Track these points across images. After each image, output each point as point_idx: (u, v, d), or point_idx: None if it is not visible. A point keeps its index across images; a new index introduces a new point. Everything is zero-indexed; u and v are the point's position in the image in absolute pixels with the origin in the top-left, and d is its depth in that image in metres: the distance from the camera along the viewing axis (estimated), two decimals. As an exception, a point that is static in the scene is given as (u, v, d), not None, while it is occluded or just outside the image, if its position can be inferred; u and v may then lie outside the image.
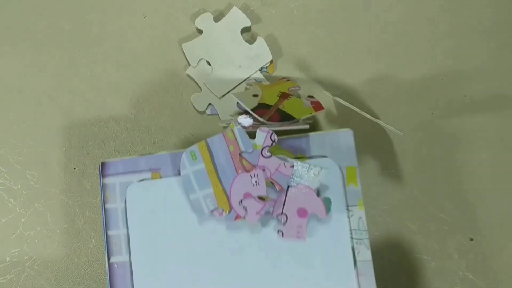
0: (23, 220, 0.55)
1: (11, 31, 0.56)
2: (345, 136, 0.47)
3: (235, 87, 0.56)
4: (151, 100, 0.56)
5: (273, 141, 0.46)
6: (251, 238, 0.47)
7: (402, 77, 0.57)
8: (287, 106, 0.52)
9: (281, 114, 0.50)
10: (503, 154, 0.55)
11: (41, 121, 0.56)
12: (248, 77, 0.56)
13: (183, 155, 0.47)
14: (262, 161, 0.46)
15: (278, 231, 0.46)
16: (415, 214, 0.54)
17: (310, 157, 0.47)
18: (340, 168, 0.47)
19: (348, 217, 0.46)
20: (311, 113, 0.51)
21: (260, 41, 0.56)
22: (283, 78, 0.56)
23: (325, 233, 0.46)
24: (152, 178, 0.47)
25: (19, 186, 0.55)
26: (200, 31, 0.57)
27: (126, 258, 0.46)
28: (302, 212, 0.47)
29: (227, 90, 0.56)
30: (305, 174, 0.47)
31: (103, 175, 0.47)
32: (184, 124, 0.56)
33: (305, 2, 0.57)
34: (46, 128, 0.56)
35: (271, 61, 0.57)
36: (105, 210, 0.47)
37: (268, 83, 0.56)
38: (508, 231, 0.54)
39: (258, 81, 0.56)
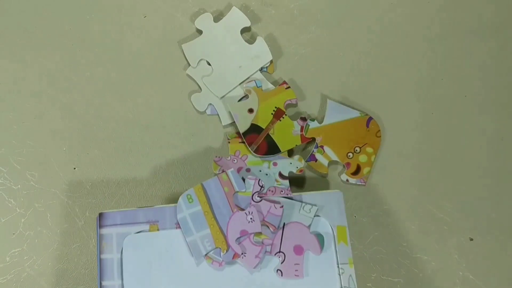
0: (23, 220, 0.55)
1: (11, 31, 0.56)
2: (336, 197, 0.50)
3: (235, 87, 0.56)
4: (151, 100, 0.56)
5: (261, 187, 0.50)
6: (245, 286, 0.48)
7: (402, 77, 0.57)
8: (277, 130, 0.54)
9: (269, 144, 0.53)
10: (503, 154, 0.55)
11: (41, 121, 0.56)
12: (249, 77, 0.56)
13: (180, 199, 0.48)
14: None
15: (277, 271, 0.48)
16: (415, 214, 0.54)
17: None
18: (331, 227, 0.49)
19: (339, 275, 0.48)
20: (296, 144, 0.54)
21: (260, 41, 0.56)
22: (284, 83, 0.56)
23: None
24: (150, 230, 0.48)
25: (19, 186, 0.55)
26: (200, 32, 0.57)
27: None
28: (298, 250, 0.49)
29: (227, 90, 0.56)
30: (297, 212, 0.49)
31: (100, 225, 0.48)
32: (184, 124, 0.56)
33: (305, 2, 0.57)
34: (46, 128, 0.56)
35: (271, 61, 0.57)
36: (100, 260, 0.47)
37: (268, 86, 0.56)
38: (508, 231, 0.54)
39: (258, 86, 0.56)
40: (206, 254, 0.48)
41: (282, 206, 0.49)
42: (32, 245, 0.54)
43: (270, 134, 0.54)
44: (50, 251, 0.54)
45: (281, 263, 0.48)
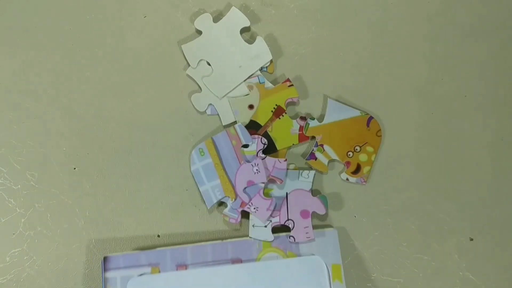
0: (23, 220, 0.55)
1: (11, 31, 0.56)
2: (331, 235, 0.51)
3: (235, 87, 0.56)
4: (151, 100, 0.56)
5: (264, 144, 0.53)
6: None
7: (402, 77, 0.57)
8: (276, 128, 0.55)
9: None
10: (503, 154, 0.55)
11: (41, 121, 0.56)
12: (250, 76, 0.56)
13: (193, 152, 0.53)
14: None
15: (289, 237, 0.51)
16: (415, 214, 0.54)
17: (299, 255, 0.51)
18: (326, 265, 0.50)
19: None
20: (293, 144, 0.55)
21: (259, 41, 0.56)
22: (287, 80, 0.56)
23: None
24: (152, 273, 0.50)
25: (19, 186, 0.55)
26: (199, 32, 0.57)
27: None
28: (305, 214, 0.52)
29: (228, 90, 0.56)
30: (297, 179, 0.53)
31: (105, 269, 0.50)
32: (184, 124, 0.56)
33: (305, 2, 0.57)
34: (46, 128, 0.56)
35: (271, 61, 0.57)
36: None
37: (268, 86, 0.56)
38: (508, 231, 0.54)
39: (261, 82, 0.56)
40: (216, 202, 0.53)
41: (286, 160, 0.52)
42: (32, 245, 0.54)
43: (268, 132, 0.54)
44: (50, 251, 0.54)
45: (292, 229, 0.51)
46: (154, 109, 0.56)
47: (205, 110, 0.56)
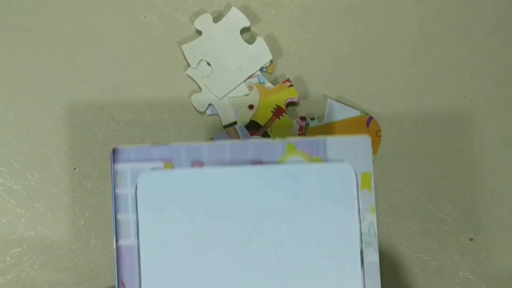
0: (23, 220, 0.55)
1: (11, 31, 0.56)
2: (363, 142, 0.47)
3: (235, 87, 0.56)
4: (151, 100, 0.56)
5: None
6: (260, 234, 0.47)
7: (402, 77, 0.57)
8: (276, 128, 0.54)
9: None
10: (503, 154, 0.55)
11: (41, 121, 0.56)
12: (250, 76, 0.56)
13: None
14: None
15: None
16: (415, 214, 0.54)
17: (326, 160, 0.47)
18: (355, 173, 0.47)
19: (360, 221, 0.46)
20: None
21: (259, 41, 0.56)
22: (287, 80, 0.56)
23: (335, 235, 0.46)
24: (165, 168, 0.47)
25: (19, 186, 0.55)
26: (199, 32, 0.57)
27: (134, 242, 0.46)
28: None
29: (228, 91, 0.56)
30: None
31: (114, 160, 0.47)
32: (184, 124, 0.56)
33: (305, 2, 0.57)
34: (46, 128, 0.56)
35: (271, 61, 0.57)
36: (115, 194, 0.46)
37: (268, 86, 0.56)
38: (508, 231, 0.54)
39: (261, 82, 0.56)
40: None
41: None
42: (32, 245, 0.54)
43: (268, 132, 0.55)
44: (50, 251, 0.54)
45: None
46: (154, 109, 0.56)
47: (205, 110, 0.56)
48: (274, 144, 0.47)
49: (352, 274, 0.46)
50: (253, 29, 0.57)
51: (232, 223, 0.47)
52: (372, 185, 0.47)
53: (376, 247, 0.47)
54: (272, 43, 0.57)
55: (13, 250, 0.54)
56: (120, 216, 0.46)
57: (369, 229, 0.47)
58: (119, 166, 0.47)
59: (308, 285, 0.46)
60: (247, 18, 0.56)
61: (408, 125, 0.56)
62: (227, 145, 0.47)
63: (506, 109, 0.56)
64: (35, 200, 0.55)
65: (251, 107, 0.55)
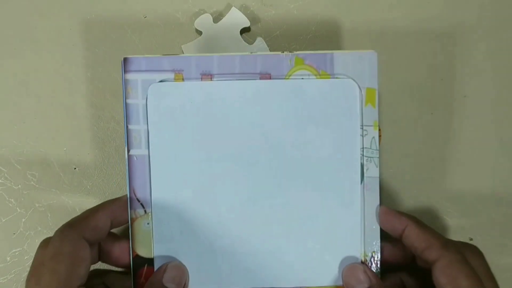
0: (23, 220, 0.55)
1: (11, 31, 0.56)
2: (369, 58, 0.48)
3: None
4: (151, 100, 0.56)
5: None
6: (266, 147, 0.49)
7: (402, 77, 0.57)
8: None
9: None
10: (503, 154, 0.55)
11: (41, 121, 0.56)
12: None
13: None
14: None
15: None
16: (415, 214, 0.54)
17: (333, 75, 0.48)
18: (360, 88, 0.48)
19: (362, 136, 0.48)
20: None
21: (259, 41, 0.56)
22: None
23: (337, 148, 0.48)
24: (175, 80, 0.48)
25: (19, 186, 0.55)
26: (199, 32, 0.57)
27: (145, 152, 0.48)
28: None
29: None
30: None
31: (125, 70, 0.48)
32: (184, 124, 0.56)
33: (305, 2, 0.57)
34: (47, 128, 0.56)
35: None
36: (126, 104, 0.48)
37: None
38: (508, 231, 0.54)
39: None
40: None
41: None
42: (33, 245, 0.54)
43: None
44: (51, 251, 0.54)
45: None
46: (154, 109, 0.56)
47: (205, 110, 0.56)
48: (282, 57, 0.48)
49: (353, 187, 0.48)
50: (253, 29, 0.57)
51: (239, 135, 0.49)
52: (376, 101, 0.48)
53: (377, 162, 0.48)
54: (272, 44, 0.57)
55: (14, 250, 0.54)
56: (131, 127, 0.48)
57: (371, 144, 0.48)
58: (130, 76, 0.48)
59: (310, 196, 0.49)
60: (247, 18, 0.56)
61: (408, 125, 0.56)
62: (236, 58, 0.48)
63: (505, 109, 0.56)
64: (35, 200, 0.55)
65: None
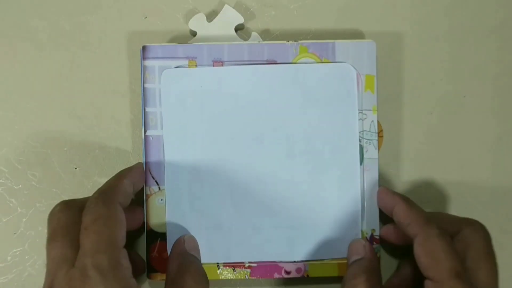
0: (24, 220, 0.55)
1: (11, 31, 0.56)
2: (368, 47, 0.53)
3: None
4: (151, 100, 0.56)
5: None
6: (272, 128, 0.52)
7: (401, 77, 0.57)
8: None
9: None
10: (503, 154, 0.55)
11: (41, 121, 0.56)
12: None
13: None
14: None
15: None
16: (415, 214, 0.54)
17: (334, 63, 0.53)
18: (360, 75, 0.52)
19: (362, 120, 0.52)
20: None
21: (255, 36, 0.56)
22: None
23: (338, 130, 0.52)
24: (188, 66, 0.52)
25: (20, 186, 0.55)
26: (193, 33, 0.56)
27: (161, 133, 0.52)
28: None
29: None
30: None
31: (143, 57, 0.53)
32: (184, 124, 0.56)
33: (305, 3, 0.57)
34: (47, 128, 0.56)
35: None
36: (144, 89, 0.52)
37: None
38: (508, 231, 0.54)
39: None
40: None
41: None
42: (33, 244, 0.55)
43: None
44: (51, 251, 0.54)
45: None
46: (155, 109, 0.56)
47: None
48: (287, 46, 0.53)
49: (353, 168, 0.52)
50: (253, 29, 0.57)
51: (246, 117, 0.52)
52: (375, 87, 0.52)
53: (376, 144, 0.52)
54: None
55: (14, 250, 0.55)
56: (148, 109, 0.53)
57: (370, 127, 0.52)
58: (147, 63, 0.53)
59: (313, 176, 0.52)
60: (242, 16, 0.56)
61: (408, 125, 0.56)
62: (245, 46, 0.53)
63: (506, 109, 0.56)
64: (36, 200, 0.55)
65: None
